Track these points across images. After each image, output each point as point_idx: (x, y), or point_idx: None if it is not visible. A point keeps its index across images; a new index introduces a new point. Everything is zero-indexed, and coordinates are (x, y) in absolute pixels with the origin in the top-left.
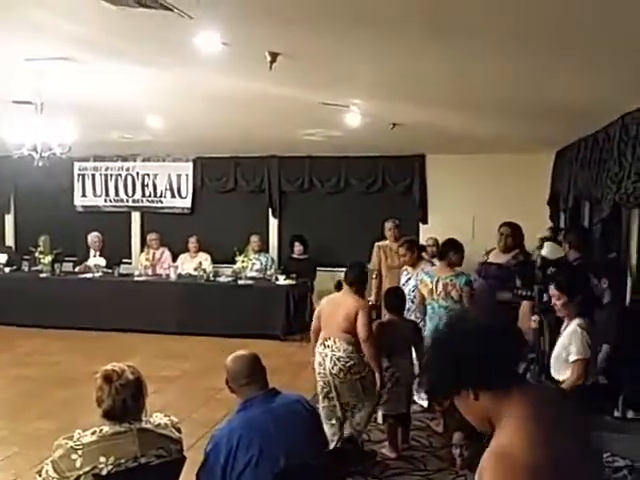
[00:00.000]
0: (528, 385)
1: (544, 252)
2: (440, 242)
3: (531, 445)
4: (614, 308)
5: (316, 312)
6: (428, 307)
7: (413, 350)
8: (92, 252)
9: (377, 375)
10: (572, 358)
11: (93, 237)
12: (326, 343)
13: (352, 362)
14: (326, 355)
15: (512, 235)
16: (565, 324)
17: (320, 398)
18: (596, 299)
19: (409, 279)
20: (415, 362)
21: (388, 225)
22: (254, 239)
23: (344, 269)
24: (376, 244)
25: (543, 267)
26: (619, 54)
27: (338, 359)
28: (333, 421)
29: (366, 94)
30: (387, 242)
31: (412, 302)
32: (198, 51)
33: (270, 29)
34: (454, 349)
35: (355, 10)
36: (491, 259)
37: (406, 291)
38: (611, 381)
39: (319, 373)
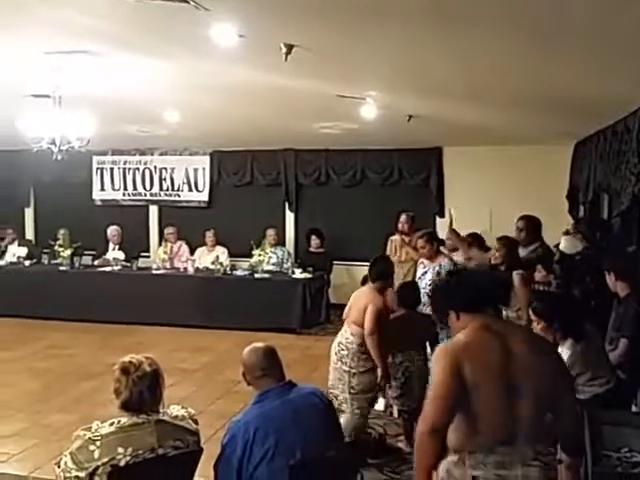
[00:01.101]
0: (496, 317)
1: (562, 246)
2: (460, 235)
3: (466, 338)
4: (631, 301)
5: (348, 303)
6: None
7: (428, 345)
8: (111, 245)
9: (380, 369)
10: None
11: (112, 230)
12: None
13: (345, 352)
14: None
15: (526, 228)
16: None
17: None
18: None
19: (425, 272)
20: (430, 357)
21: (401, 218)
22: (270, 232)
23: (360, 263)
24: (390, 238)
25: (561, 261)
26: (633, 45)
27: (338, 343)
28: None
29: (382, 86)
30: (397, 236)
31: (428, 296)
32: (214, 43)
33: (285, 21)
34: (445, 287)
35: (370, 2)
36: None
37: (422, 285)
38: (629, 375)
39: None
